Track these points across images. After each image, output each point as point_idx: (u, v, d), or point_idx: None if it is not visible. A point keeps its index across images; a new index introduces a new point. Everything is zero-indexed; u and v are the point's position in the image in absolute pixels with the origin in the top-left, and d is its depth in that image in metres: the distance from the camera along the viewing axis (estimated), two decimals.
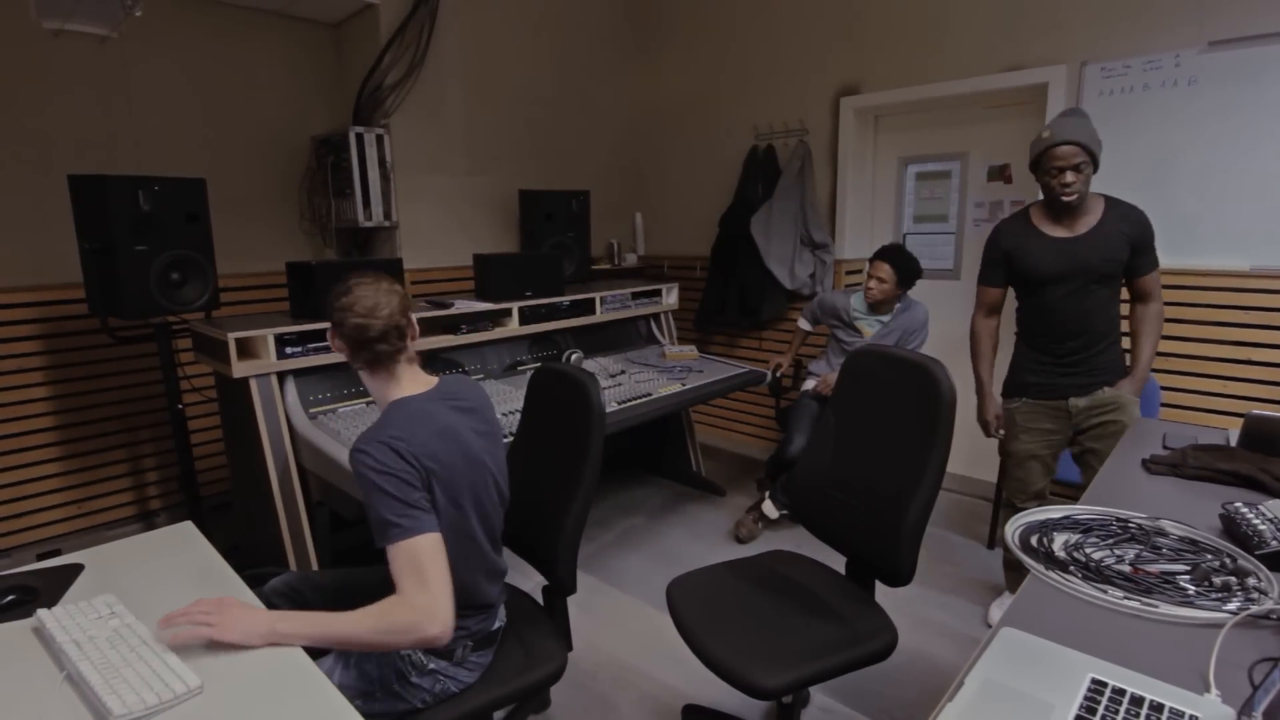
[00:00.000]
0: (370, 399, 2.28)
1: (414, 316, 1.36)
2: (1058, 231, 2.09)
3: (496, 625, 1.42)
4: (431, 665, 1.31)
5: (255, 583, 1.26)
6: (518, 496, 1.58)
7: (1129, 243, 2.04)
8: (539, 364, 3.03)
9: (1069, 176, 1.97)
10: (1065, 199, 2.00)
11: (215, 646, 1.02)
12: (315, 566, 2.23)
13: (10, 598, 1.16)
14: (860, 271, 3.10)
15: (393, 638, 1.10)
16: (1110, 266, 2.05)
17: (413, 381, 1.34)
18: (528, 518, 1.62)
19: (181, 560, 1.34)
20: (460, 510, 1.27)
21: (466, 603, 1.30)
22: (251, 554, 2.52)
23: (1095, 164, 1.99)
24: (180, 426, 2.64)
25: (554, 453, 1.61)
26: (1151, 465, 1.50)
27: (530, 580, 1.77)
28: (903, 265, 2.88)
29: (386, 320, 1.27)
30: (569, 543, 1.51)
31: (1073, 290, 2.08)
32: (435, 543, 1.15)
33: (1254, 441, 1.53)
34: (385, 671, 1.30)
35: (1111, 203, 2.07)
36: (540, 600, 1.65)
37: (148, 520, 3.10)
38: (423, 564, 1.12)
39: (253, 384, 2.16)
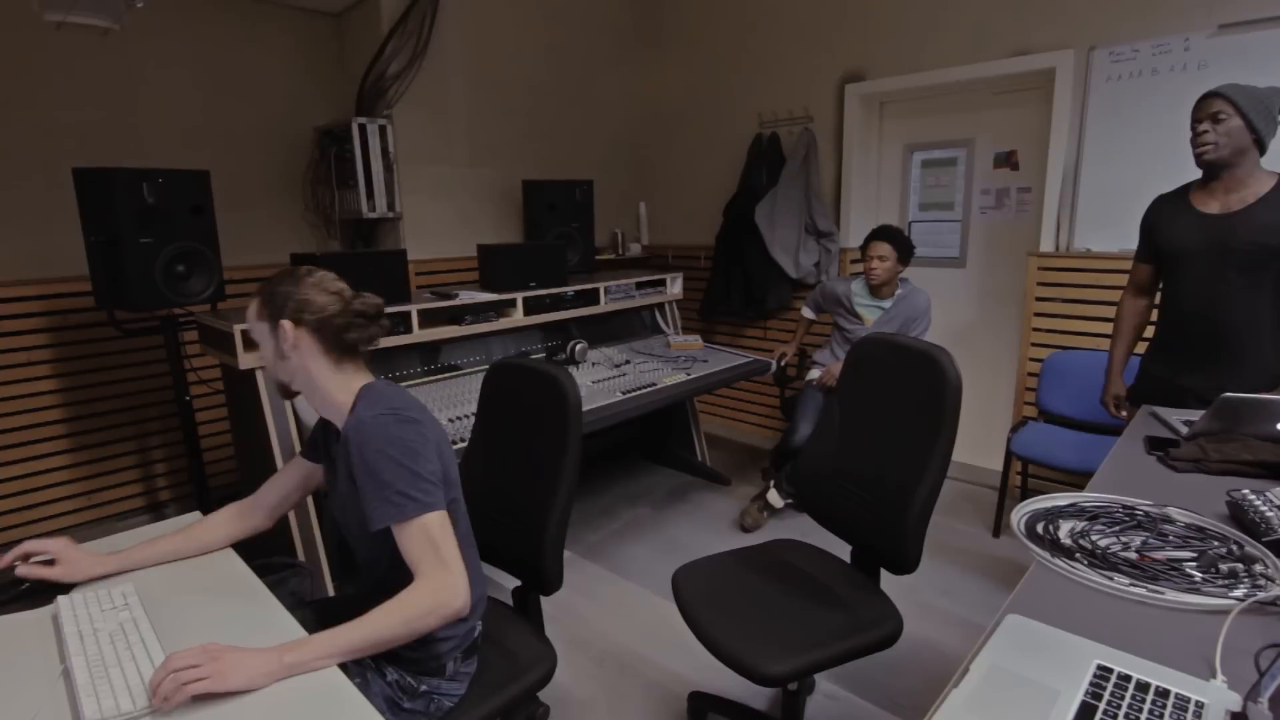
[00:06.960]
0: None
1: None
2: (1210, 207, 1.85)
3: (477, 632, 1.34)
4: (424, 687, 1.23)
5: (263, 572, 1.26)
6: (482, 503, 1.52)
7: None
8: (544, 354, 3.05)
9: (1202, 127, 1.77)
10: (1196, 153, 1.78)
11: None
12: (323, 557, 2.24)
13: (25, 585, 1.16)
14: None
15: (420, 622, 1.04)
16: (1255, 250, 1.76)
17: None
18: (499, 523, 1.56)
19: None
20: (455, 498, 1.23)
21: None
22: (259, 544, 2.53)
23: (1252, 128, 1.73)
24: (188, 418, 2.66)
25: (526, 452, 1.53)
26: (1176, 464, 1.42)
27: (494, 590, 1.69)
28: (900, 241, 2.91)
29: (349, 301, 1.21)
30: (554, 540, 1.45)
31: (1206, 273, 1.84)
32: (445, 519, 1.12)
33: (1224, 422, 1.47)
34: (376, 703, 1.19)
35: None
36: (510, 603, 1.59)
37: (156, 511, 3.12)
38: (437, 540, 1.09)
39: (259, 375, 2.16)
